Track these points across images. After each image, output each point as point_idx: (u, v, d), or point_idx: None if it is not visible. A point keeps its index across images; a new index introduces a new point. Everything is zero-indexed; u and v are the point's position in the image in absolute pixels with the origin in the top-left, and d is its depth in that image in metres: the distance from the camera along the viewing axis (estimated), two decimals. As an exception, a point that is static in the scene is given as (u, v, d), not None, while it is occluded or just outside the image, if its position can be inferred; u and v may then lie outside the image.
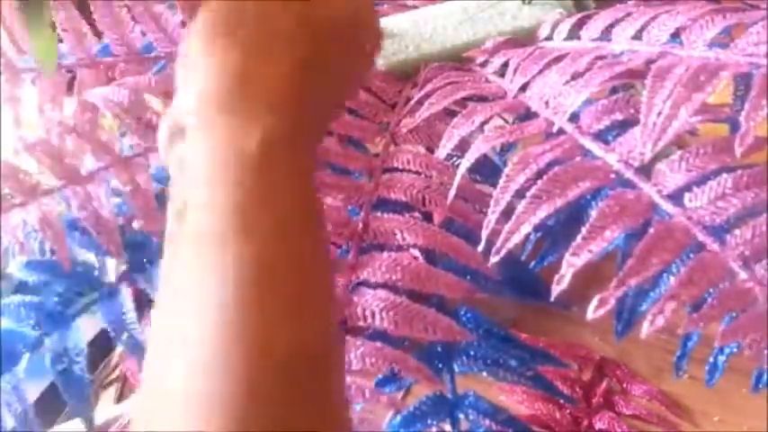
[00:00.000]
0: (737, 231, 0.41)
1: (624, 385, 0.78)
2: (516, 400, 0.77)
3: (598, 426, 0.76)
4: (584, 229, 0.42)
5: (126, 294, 0.46)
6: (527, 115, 0.52)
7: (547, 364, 0.51)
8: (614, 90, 0.56)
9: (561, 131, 0.49)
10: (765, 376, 0.46)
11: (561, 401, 0.77)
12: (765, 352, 0.39)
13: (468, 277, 0.47)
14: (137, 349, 0.45)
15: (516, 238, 0.44)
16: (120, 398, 0.88)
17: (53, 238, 0.43)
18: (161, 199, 0.46)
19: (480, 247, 0.46)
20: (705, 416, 0.75)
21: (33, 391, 0.74)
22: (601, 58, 0.52)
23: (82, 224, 0.44)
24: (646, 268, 0.40)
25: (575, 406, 0.77)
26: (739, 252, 0.41)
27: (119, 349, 0.88)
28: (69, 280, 0.46)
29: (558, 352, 0.80)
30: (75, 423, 0.78)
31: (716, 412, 0.74)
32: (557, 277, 0.42)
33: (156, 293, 0.47)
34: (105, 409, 0.85)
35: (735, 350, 0.47)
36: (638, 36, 0.53)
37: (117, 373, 0.90)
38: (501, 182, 0.46)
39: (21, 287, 0.46)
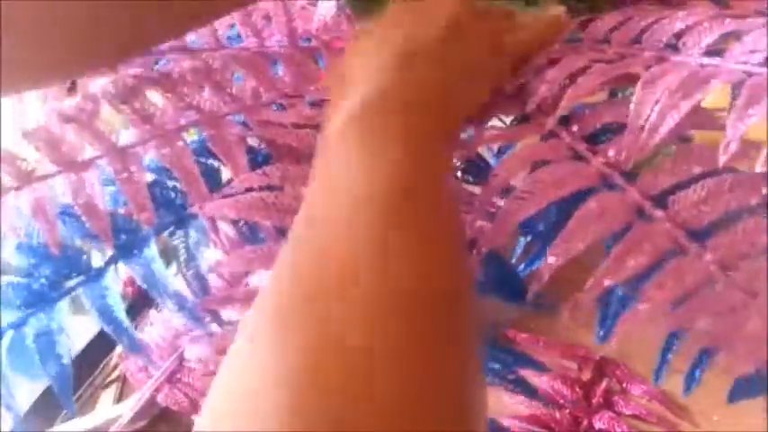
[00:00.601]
0: (718, 235, 0.42)
1: (624, 385, 0.79)
2: (516, 399, 0.78)
3: (598, 426, 0.77)
4: (563, 231, 0.43)
5: (111, 277, 0.48)
6: (523, 117, 0.52)
7: (529, 368, 0.52)
8: (613, 93, 0.56)
9: (552, 134, 0.49)
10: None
11: (561, 401, 0.78)
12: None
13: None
14: (124, 337, 0.46)
15: (499, 239, 0.44)
16: (120, 398, 0.89)
17: (45, 223, 0.44)
18: (153, 189, 0.47)
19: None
20: (705, 416, 0.75)
21: (33, 392, 0.76)
22: (597, 61, 0.52)
23: (74, 211, 0.45)
24: (621, 270, 0.41)
25: (575, 406, 0.78)
26: (719, 256, 0.41)
27: (118, 349, 0.89)
28: (58, 263, 0.48)
29: (557, 352, 0.80)
30: (75, 423, 0.80)
31: (716, 412, 0.74)
32: (533, 276, 0.42)
33: (148, 285, 0.48)
34: (105, 408, 0.86)
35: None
36: (637, 40, 0.53)
37: (117, 373, 0.92)
38: (488, 182, 0.47)
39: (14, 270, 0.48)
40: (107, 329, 0.46)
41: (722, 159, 0.43)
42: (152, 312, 0.81)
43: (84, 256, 0.48)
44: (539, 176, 0.45)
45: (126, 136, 0.48)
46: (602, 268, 0.41)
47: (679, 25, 0.52)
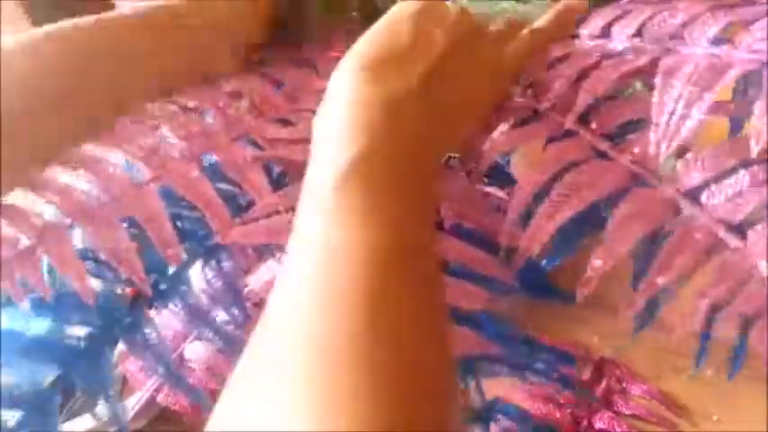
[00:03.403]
0: (756, 228, 0.41)
1: (624, 385, 0.78)
2: (516, 399, 0.77)
3: (598, 425, 0.76)
4: (607, 233, 0.42)
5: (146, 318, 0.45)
6: (533, 116, 0.51)
7: (566, 364, 0.51)
8: (619, 90, 0.55)
9: (570, 133, 0.48)
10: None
11: (561, 401, 0.77)
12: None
13: (484, 285, 0.47)
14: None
15: (537, 245, 0.43)
16: (120, 398, 0.86)
17: (74, 274, 0.42)
18: (175, 222, 0.45)
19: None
20: (705, 416, 0.75)
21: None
22: (606, 56, 0.51)
23: (96, 256, 0.43)
24: (672, 268, 0.40)
25: (574, 406, 0.77)
26: (761, 249, 0.41)
27: (119, 349, 0.87)
28: (90, 314, 0.45)
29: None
30: (75, 423, 0.77)
31: (716, 412, 0.74)
32: (582, 280, 0.41)
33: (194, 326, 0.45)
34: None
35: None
36: (637, 34, 0.53)
37: (117, 373, 0.89)
38: (516, 188, 0.45)
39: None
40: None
41: (755, 150, 0.42)
42: (152, 312, 0.79)
43: (116, 304, 0.46)
44: (572, 179, 0.44)
45: (138, 171, 0.46)
46: (654, 268, 0.40)
47: (681, 17, 0.52)
